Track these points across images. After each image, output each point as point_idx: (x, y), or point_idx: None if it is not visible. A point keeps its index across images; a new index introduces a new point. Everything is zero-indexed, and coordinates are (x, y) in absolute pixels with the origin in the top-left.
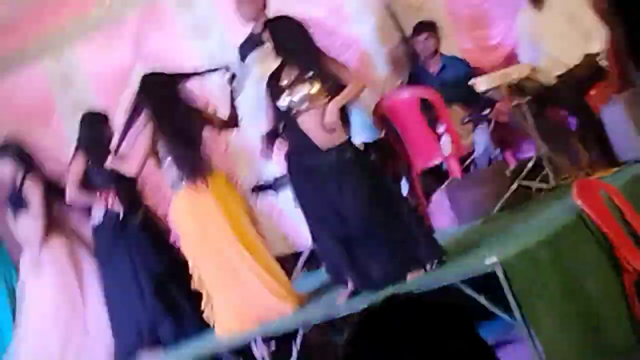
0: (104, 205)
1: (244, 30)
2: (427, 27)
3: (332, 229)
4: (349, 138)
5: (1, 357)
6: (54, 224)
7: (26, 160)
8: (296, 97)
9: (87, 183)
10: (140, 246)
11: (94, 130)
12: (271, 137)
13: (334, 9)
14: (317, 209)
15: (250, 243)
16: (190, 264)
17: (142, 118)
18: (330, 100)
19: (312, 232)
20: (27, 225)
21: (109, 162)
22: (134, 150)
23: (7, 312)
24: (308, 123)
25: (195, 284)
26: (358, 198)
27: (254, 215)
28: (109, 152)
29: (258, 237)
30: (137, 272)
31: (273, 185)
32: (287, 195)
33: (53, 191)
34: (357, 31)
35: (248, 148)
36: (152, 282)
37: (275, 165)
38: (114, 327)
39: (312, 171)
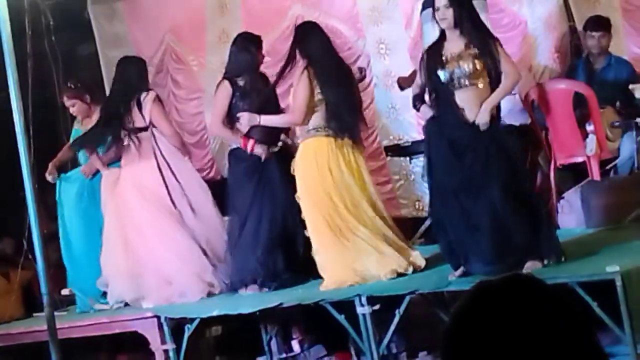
0: (244, 146)
1: None
2: (604, 24)
3: (456, 206)
4: (498, 118)
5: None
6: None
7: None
8: (458, 72)
9: (230, 113)
10: (272, 185)
11: (246, 54)
12: (420, 99)
13: None
14: (446, 183)
15: (371, 201)
16: (305, 210)
17: (300, 66)
18: (489, 84)
19: (433, 205)
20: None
21: (267, 120)
22: (295, 99)
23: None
24: (464, 99)
25: (309, 231)
26: (492, 179)
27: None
28: (260, 78)
29: (378, 197)
30: (267, 208)
31: (410, 148)
32: (420, 161)
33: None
34: (526, 13)
35: (390, 105)
36: (279, 223)
37: (415, 129)
38: (233, 252)
39: (452, 143)
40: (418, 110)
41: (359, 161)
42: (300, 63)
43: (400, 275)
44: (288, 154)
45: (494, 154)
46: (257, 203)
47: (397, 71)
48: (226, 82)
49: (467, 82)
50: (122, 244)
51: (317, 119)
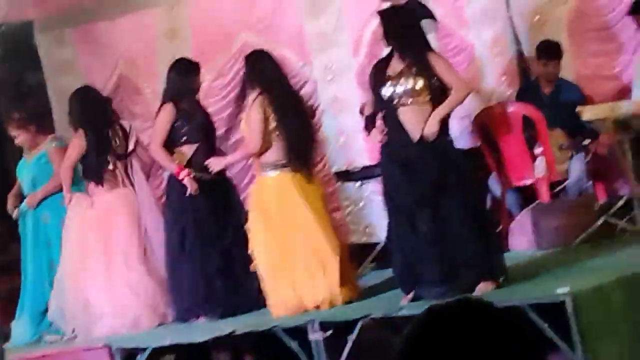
0: (176, 173)
1: (360, 14)
2: (555, 52)
3: (409, 226)
4: (447, 134)
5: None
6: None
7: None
8: (399, 90)
9: (171, 136)
10: (212, 211)
11: (187, 78)
12: (371, 121)
13: (454, 10)
14: (399, 203)
15: (320, 228)
16: (255, 242)
17: (252, 94)
18: (431, 101)
19: (389, 227)
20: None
21: (230, 159)
22: (249, 127)
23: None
24: (407, 117)
25: (255, 263)
26: (444, 197)
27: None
28: (198, 102)
29: (330, 223)
30: (207, 235)
31: (360, 173)
32: (373, 185)
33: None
34: (473, 37)
35: (339, 131)
36: (224, 247)
37: (365, 154)
38: (174, 283)
39: (402, 163)
40: (369, 132)
41: (317, 192)
42: (253, 91)
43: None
44: (225, 182)
45: (444, 172)
46: (195, 231)
47: (344, 97)
48: (170, 105)
49: (408, 101)
50: (80, 271)
51: (276, 153)
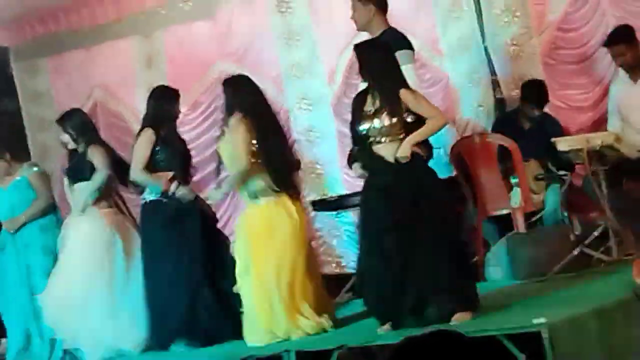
0: (166, 189)
1: (336, 43)
2: (540, 97)
3: (383, 256)
4: (422, 163)
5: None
6: (108, 195)
7: (90, 131)
8: (375, 127)
9: (149, 162)
10: (194, 235)
11: (167, 105)
12: (353, 155)
13: (429, 41)
14: (373, 231)
15: (302, 257)
16: (242, 268)
17: (236, 117)
18: (406, 134)
19: (360, 259)
20: (84, 188)
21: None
22: (235, 149)
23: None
24: (382, 151)
25: (238, 287)
26: (419, 223)
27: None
28: (175, 129)
29: (310, 253)
30: (187, 260)
31: (335, 203)
32: (348, 216)
33: (115, 164)
34: (448, 67)
35: (314, 160)
36: (201, 274)
37: (341, 183)
38: (152, 308)
39: (378, 189)
40: (351, 167)
41: (301, 216)
42: (235, 115)
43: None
44: (204, 206)
45: (418, 199)
46: (175, 257)
47: (319, 126)
48: (150, 131)
49: (383, 138)
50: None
51: (262, 180)
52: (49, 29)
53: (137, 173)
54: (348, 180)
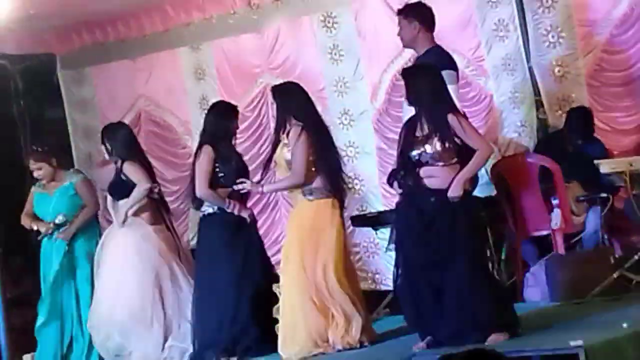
0: (231, 209)
1: (380, 60)
2: (586, 127)
3: (422, 278)
4: (470, 191)
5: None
6: (149, 208)
7: (126, 147)
8: (428, 152)
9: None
10: (249, 251)
11: (225, 121)
12: (393, 176)
13: (473, 60)
14: (413, 255)
15: (344, 269)
16: (287, 271)
17: (294, 127)
18: (459, 161)
19: (400, 277)
20: (122, 205)
21: (271, 187)
22: (295, 161)
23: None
24: (430, 174)
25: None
26: (459, 252)
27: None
28: (233, 146)
29: (351, 265)
30: (238, 275)
31: (374, 219)
32: (386, 232)
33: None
34: (492, 86)
35: (354, 176)
36: (251, 290)
37: (380, 200)
38: (198, 322)
39: (420, 216)
40: (391, 185)
41: (344, 225)
42: (294, 125)
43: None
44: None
45: (461, 226)
46: (234, 270)
47: (360, 142)
48: (209, 147)
49: (436, 162)
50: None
51: (315, 182)
52: (96, 39)
53: (203, 191)
54: (386, 197)
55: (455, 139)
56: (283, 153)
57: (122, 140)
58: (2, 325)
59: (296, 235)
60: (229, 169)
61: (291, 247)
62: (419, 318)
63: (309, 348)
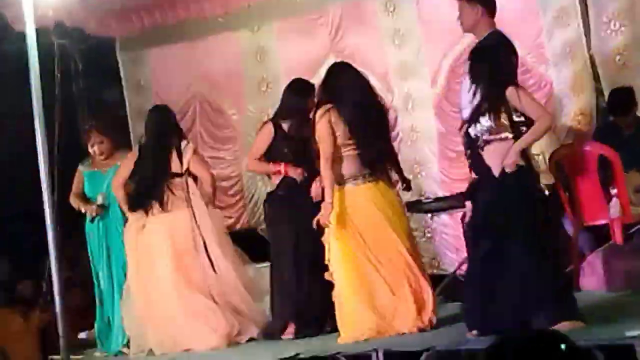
0: (281, 172)
1: (441, 45)
2: (630, 108)
3: (484, 263)
4: (529, 171)
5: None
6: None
7: (146, 130)
8: (484, 128)
9: (270, 154)
10: (303, 226)
11: (297, 98)
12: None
13: (534, 47)
14: (477, 238)
15: (408, 251)
16: (336, 259)
17: (324, 107)
18: (514, 137)
19: (468, 260)
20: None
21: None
22: (320, 141)
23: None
24: (489, 154)
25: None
26: (519, 236)
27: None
28: (306, 124)
29: (414, 244)
30: (297, 248)
31: (431, 205)
32: (442, 218)
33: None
34: (552, 74)
35: (415, 161)
36: (307, 261)
37: (438, 185)
38: (275, 295)
39: (483, 200)
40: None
41: (397, 206)
42: (324, 104)
43: (421, 330)
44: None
45: (521, 210)
46: (297, 249)
47: (421, 127)
48: (270, 124)
49: (491, 138)
50: (142, 292)
51: (350, 167)
52: (156, 21)
53: (249, 162)
54: (446, 182)
55: (514, 114)
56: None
57: (146, 125)
58: (60, 304)
59: (339, 229)
60: (287, 147)
61: (335, 241)
62: (476, 304)
63: (362, 332)
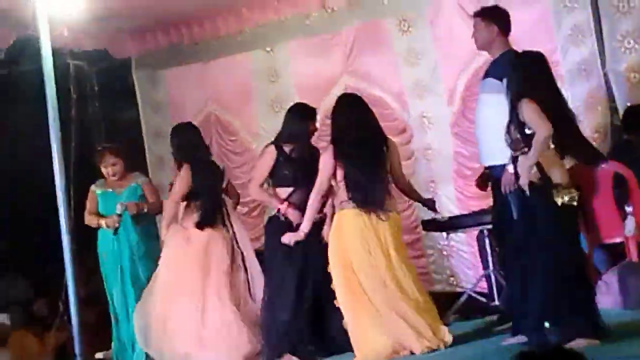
0: (279, 209)
1: (456, 64)
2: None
3: (512, 273)
4: (546, 186)
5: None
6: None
7: (185, 150)
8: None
9: (273, 177)
10: (307, 255)
11: (300, 122)
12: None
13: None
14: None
15: (407, 275)
16: (338, 282)
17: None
18: (528, 147)
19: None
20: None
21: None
22: (319, 171)
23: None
24: (518, 166)
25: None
26: (542, 247)
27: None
28: (307, 148)
29: (412, 269)
30: (301, 276)
31: (447, 224)
32: (459, 236)
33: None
34: (566, 92)
35: (430, 179)
36: (311, 293)
37: (453, 204)
38: (268, 321)
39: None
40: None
41: (394, 234)
42: (332, 138)
43: (432, 350)
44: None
45: (542, 224)
46: (290, 272)
47: (437, 145)
48: (272, 147)
49: (515, 151)
50: (171, 303)
51: (342, 192)
52: (171, 41)
53: (252, 190)
54: (461, 199)
55: (525, 128)
56: None
57: (182, 140)
58: (77, 323)
59: (338, 251)
60: (291, 171)
61: (336, 264)
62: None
63: (378, 354)
